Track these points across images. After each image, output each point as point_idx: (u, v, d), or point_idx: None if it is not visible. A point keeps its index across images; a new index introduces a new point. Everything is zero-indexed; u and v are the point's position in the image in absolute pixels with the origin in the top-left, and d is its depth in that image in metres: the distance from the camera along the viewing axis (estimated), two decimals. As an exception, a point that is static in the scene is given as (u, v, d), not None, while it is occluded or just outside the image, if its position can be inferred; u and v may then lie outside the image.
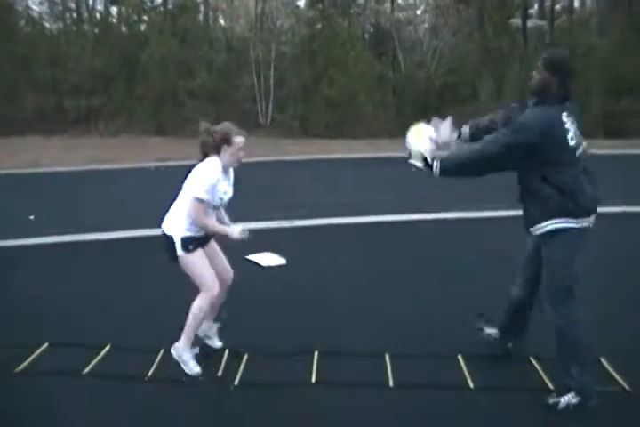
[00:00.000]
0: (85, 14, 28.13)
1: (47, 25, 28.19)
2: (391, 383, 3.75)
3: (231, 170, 3.93)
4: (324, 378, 3.80)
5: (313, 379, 3.81)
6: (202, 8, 27.24)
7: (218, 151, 3.79)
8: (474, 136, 3.75)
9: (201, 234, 3.84)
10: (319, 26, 25.20)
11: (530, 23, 23.19)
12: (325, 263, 6.38)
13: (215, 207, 3.86)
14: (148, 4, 27.03)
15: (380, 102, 22.39)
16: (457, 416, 3.45)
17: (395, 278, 5.80)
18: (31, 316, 4.89)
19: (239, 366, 3.95)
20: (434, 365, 4.02)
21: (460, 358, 4.02)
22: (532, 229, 3.53)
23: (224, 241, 4.01)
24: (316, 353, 4.11)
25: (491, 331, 4.10)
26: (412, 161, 3.53)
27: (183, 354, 3.89)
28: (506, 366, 3.97)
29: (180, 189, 3.88)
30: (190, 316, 3.83)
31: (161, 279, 5.55)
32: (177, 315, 4.81)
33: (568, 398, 3.43)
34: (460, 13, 24.86)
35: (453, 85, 22.15)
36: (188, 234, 3.77)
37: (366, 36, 28.23)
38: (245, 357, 4.08)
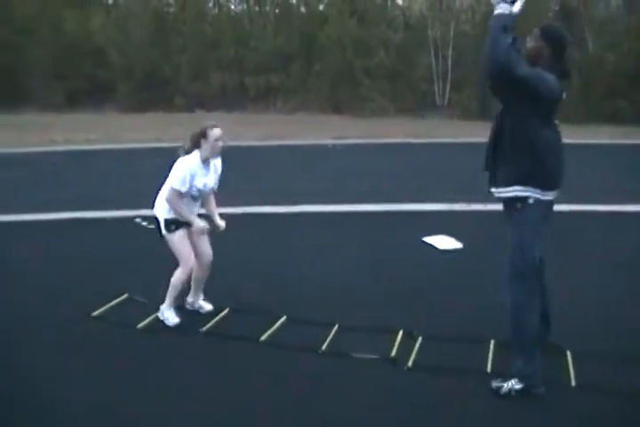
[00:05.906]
0: (268, -5, 29.06)
1: (232, 7, 29.49)
2: (573, 383, 3.53)
3: (217, 161, 4.39)
4: (499, 369, 3.64)
5: (488, 368, 3.68)
6: (380, -13, 27.14)
7: (198, 146, 4.24)
8: None
9: None
10: (501, 4, 24.24)
11: None
12: (499, 249, 6.12)
13: (194, 198, 4.31)
14: (328, -17, 27.38)
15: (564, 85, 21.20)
16: None
17: (578, 269, 5.45)
18: (217, 281, 4.98)
19: (413, 349, 3.90)
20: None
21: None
22: (500, 189, 3.48)
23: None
24: (492, 342, 3.96)
25: None
26: None
27: (165, 311, 4.40)
28: None
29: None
30: (170, 285, 4.35)
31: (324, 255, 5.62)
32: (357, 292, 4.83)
33: (511, 384, 3.41)
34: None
35: (649, 67, 20.35)
36: (169, 216, 4.28)
37: (550, 14, 26.75)
38: (420, 339, 4.03)
